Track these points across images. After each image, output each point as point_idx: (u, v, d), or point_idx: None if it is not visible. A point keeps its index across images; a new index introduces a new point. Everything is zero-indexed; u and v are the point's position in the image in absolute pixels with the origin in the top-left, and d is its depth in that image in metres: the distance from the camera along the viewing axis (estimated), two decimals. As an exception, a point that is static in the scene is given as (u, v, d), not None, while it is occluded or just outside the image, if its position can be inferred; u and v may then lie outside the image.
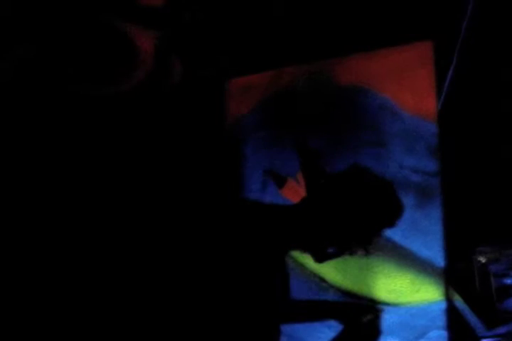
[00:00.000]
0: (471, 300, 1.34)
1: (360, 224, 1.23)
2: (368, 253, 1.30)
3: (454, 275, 1.52)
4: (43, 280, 1.66)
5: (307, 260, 1.71)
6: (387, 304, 1.57)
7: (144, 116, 1.91)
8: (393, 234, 1.58)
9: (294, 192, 1.74)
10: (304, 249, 1.27)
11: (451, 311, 1.50)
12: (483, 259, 1.30)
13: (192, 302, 1.15)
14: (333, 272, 1.67)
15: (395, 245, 1.58)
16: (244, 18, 1.91)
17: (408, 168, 1.59)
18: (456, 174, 1.57)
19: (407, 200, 1.58)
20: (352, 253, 1.28)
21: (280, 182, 1.76)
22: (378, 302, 1.59)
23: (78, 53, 1.79)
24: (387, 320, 1.56)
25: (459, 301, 1.43)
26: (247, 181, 1.86)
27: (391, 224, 1.28)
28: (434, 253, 1.53)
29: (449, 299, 1.51)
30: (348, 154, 1.66)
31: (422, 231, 1.55)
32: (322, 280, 1.68)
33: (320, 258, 1.27)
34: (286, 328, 1.62)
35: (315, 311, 1.43)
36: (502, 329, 1.25)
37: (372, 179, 1.28)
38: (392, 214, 1.28)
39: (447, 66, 1.59)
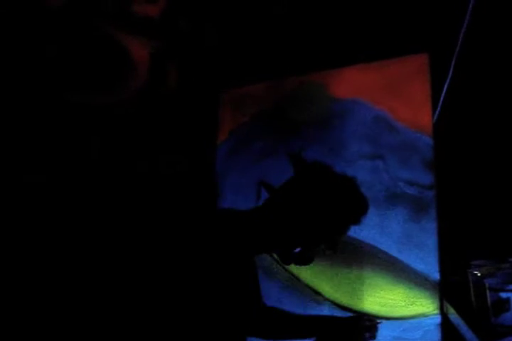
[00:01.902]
0: (466, 314, 1.33)
1: (324, 222, 1.21)
2: (335, 252, 1.27)
3: (448, 289, 1.51)
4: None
5: (302, 272, 1.70)
6: (381, 317, 1.56)
7: (139, 124, 1.91)
8: (388, 247, 1.58)
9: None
10: (270, 250, 1.25)
11: (446, 325, 1.49)
12: (478, 273, 1.29)
13: (168, 311, 1.12)
14: (328, 285, 1.66)
15: (390, 258, 1.57)
16: (240, 29, 1.92)
17: (403, 180, 1.59)
18: (451, 187, 1.57)
19: (402, 213, 1.58)
20: (318, 252, 1.25)
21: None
22: (373, 316, 1.57)
23: (74, 62, 1.79)
24: (380, 334, 1.55)
25: (453, 315, 1.41)
26: (241, 192, 1.86)
27: (356, 221, 1.25)
28: (429, 266, 1.52)
29: (443, 313, 1.50)
30: (344, 166, 1.65)
31: (416, 244, 1.54)
32: (316, 293, 1.67)
33: (286, 260, 1.25)
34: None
35: (306, 325, 1.41)
36: (497, 344, 1.23)
37: (335, 176, 1.25)
38: (357, 211, 1.25)
39: (443, 79, 1.59)
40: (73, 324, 1.62)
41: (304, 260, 1.27)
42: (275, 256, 1.29)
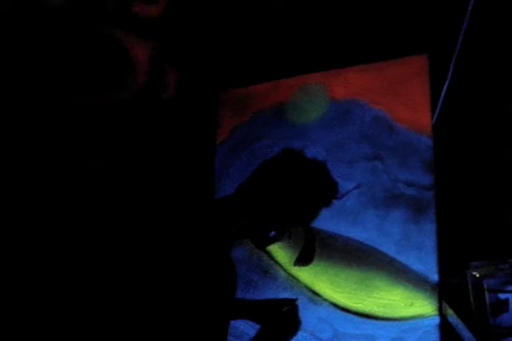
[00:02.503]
0: (464, 315, 1.33)
1: (294, 204, 1.21)
2: (314, 238, 1.27)
3: (447, 290, 1.51)
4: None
5: (301, 273, 1.70)
6: (380, 318, 1.56)
7: (138, 125, 1.91)
8: (387, 248, 1.58)
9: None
10: (244, 235, 1.25)
11: (445, 326, 1.49)
12: (477, 274, 1.29)
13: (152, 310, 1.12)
14: (327, 286, 1.66)
15: (389, 259, 1.57)
16: (241, 30, 1.92)
17: (402, 181, 1.59)
18: (450, 188, 1.57)
19: (401, 214, 1.58)
20: (291, 236, 1.26)
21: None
22: (372, 317, 1.58)
23: (74, 62, 1.79)
24: (379, 335, 1.55)
25: (452, 316, 1.41)
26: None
27: (326, 203, 1.25)
28: (428, 267, 1.53)
29: (442, 314, 1.50)
30: (343, 167, 1.66)
31: (415, 245, 1.55)
32: (315, 293, 1.67)
33: (260, 244, 1.25)
34: None
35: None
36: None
37: (304, 160, 1.26)
38: (326, 193, 1.26)
39: (442, 79, 1.59)
40: (68, 319, 1.62)
41: (304, 260, 1.27)
42: (249, 240, 1.29)
